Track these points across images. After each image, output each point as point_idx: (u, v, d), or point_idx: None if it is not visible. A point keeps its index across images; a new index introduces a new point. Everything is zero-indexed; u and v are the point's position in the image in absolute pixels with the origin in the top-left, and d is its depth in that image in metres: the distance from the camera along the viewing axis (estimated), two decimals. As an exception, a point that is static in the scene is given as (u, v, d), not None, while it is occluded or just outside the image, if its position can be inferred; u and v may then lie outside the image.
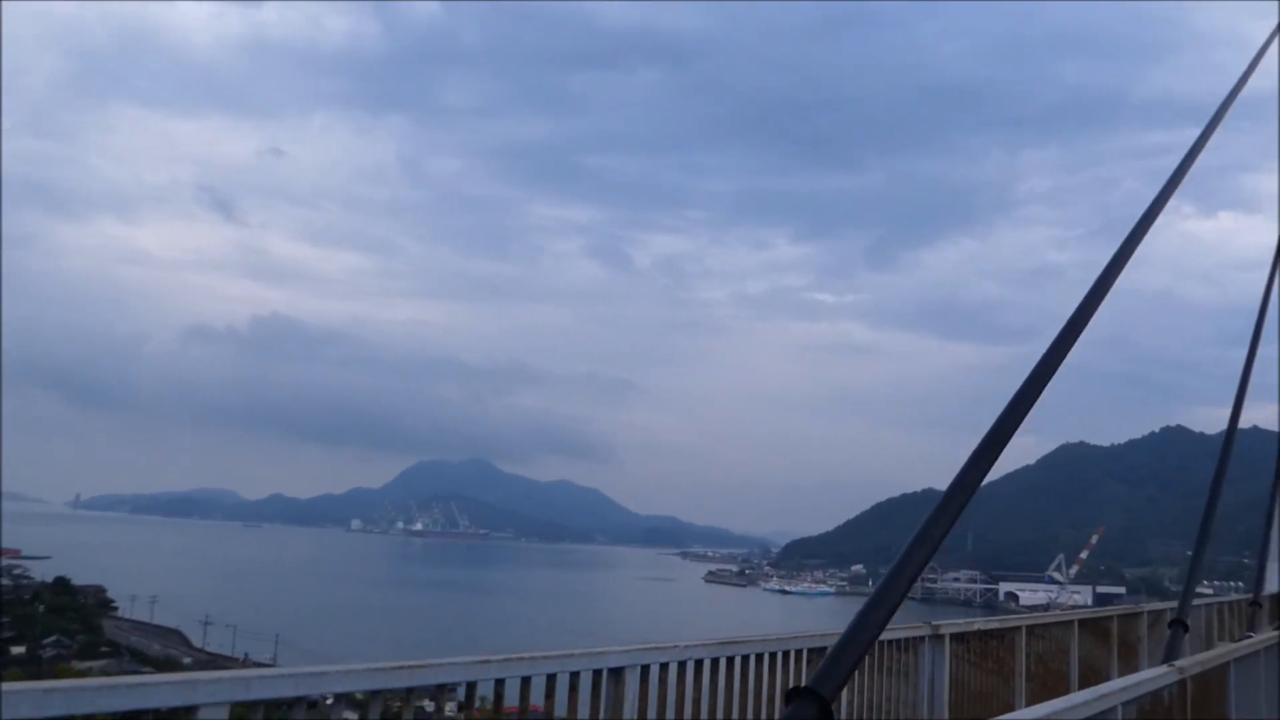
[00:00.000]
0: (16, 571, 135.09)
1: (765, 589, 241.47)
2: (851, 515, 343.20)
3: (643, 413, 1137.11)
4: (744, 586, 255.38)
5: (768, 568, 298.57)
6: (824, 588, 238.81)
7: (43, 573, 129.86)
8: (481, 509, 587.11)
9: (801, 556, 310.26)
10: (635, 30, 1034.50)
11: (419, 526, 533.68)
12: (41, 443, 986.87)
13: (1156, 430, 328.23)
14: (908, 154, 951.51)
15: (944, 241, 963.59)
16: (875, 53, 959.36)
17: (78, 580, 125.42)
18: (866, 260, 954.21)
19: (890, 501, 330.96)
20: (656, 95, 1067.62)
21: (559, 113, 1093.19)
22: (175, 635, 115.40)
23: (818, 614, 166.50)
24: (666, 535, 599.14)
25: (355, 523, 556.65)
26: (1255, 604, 12.82)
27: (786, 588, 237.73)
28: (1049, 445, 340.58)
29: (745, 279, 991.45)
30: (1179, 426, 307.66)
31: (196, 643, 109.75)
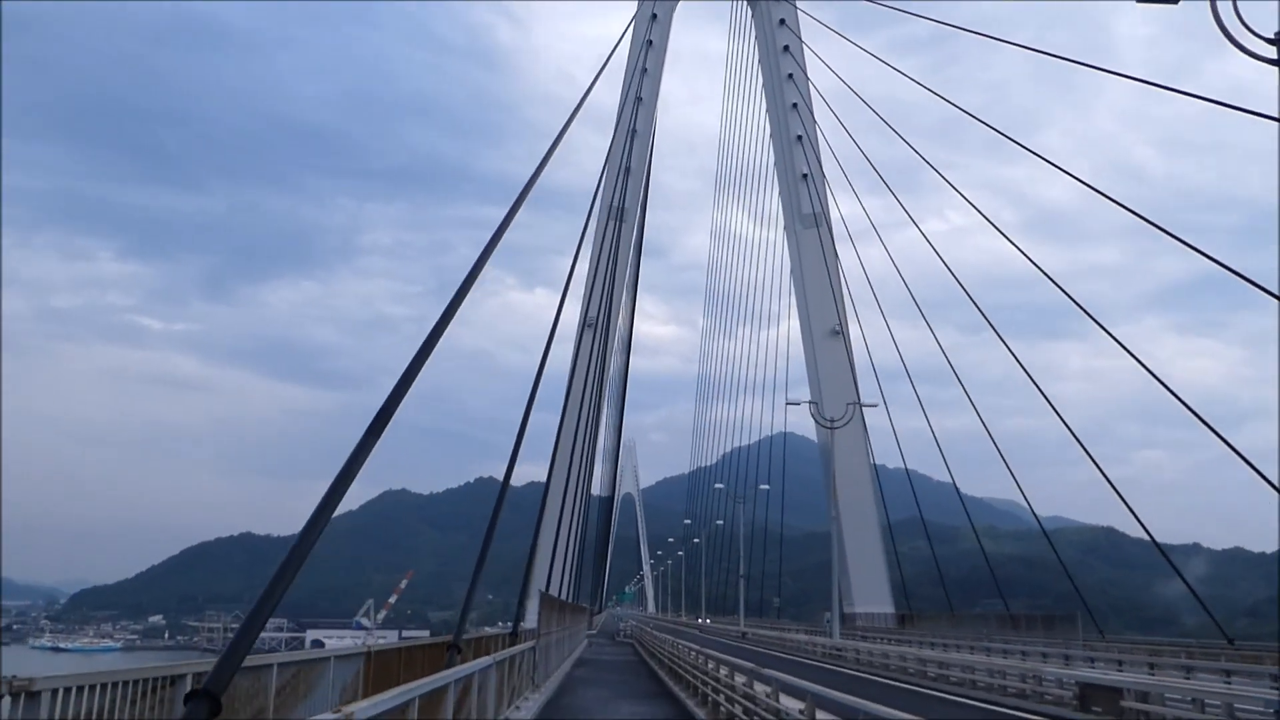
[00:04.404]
0: None
1: (34, 646, 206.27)
2: (157, 561, 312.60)
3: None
4: (8, 645, 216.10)
5: (44, 621, 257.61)
6: (110, 642, 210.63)
7: None
8: None
9: (90, 608, 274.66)
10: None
11: None
12: None
13: (471, 481, 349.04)
14: (253, 185, 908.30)
15: (284, 280, 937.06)
16: (228, 74, 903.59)
17: None
18: (201, 289, 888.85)
19: (202, 545, 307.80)
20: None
21: None
22: None
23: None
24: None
25: None
26: (454, 647, 12.16)
27: (62, 644, 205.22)
28: (373, 491, 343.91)
29: (53, 292, 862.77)
30: (490, 478, 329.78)
31: None
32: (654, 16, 63.53)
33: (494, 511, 18.46)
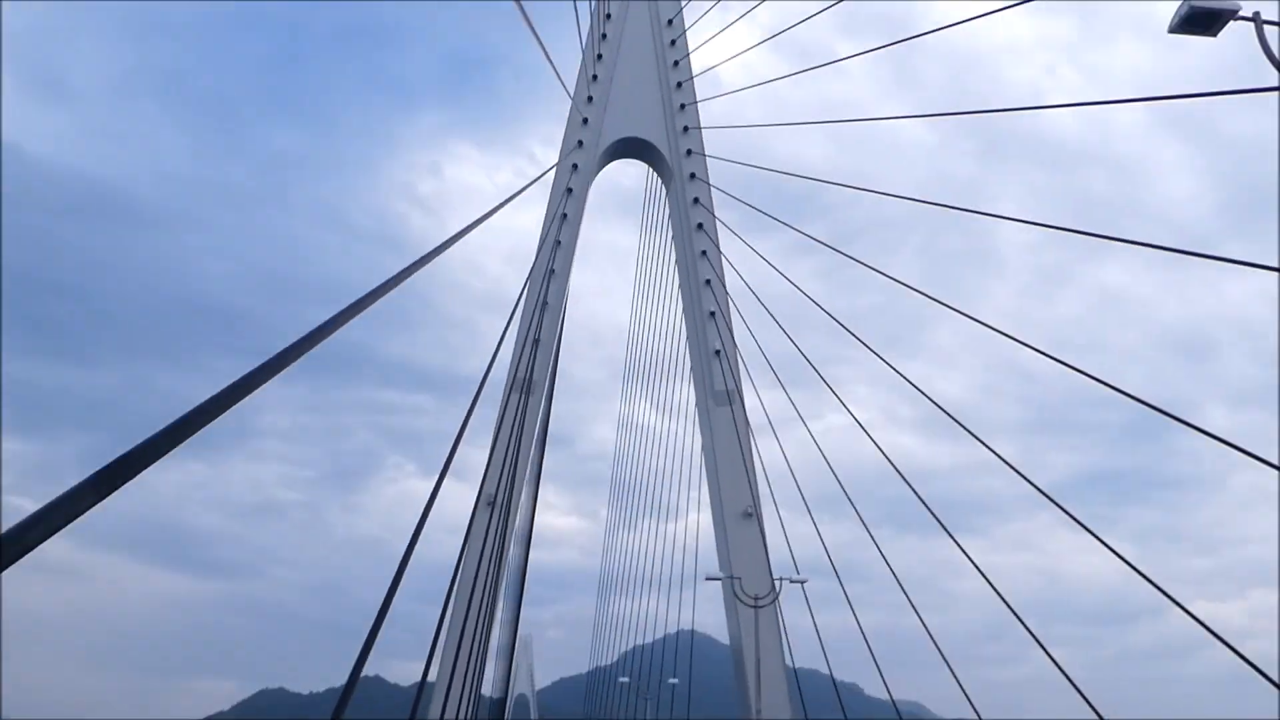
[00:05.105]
0: None
1: None
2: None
3: None
4: None
5: None
6: None
7: None
8: None
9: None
10: None
11: None
12: None
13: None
14: (149, 362, 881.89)
15: (170, 460, 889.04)
16: (133, 250, 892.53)
17: None
18: (81, 469, 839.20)
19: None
20: None
21: None
22: None
23: None
24: None
25: None
26: None
27: None
28: (249, 690, 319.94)
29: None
30: (377, 676, 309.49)
31: None
32: (574, 167, 62.14)
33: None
